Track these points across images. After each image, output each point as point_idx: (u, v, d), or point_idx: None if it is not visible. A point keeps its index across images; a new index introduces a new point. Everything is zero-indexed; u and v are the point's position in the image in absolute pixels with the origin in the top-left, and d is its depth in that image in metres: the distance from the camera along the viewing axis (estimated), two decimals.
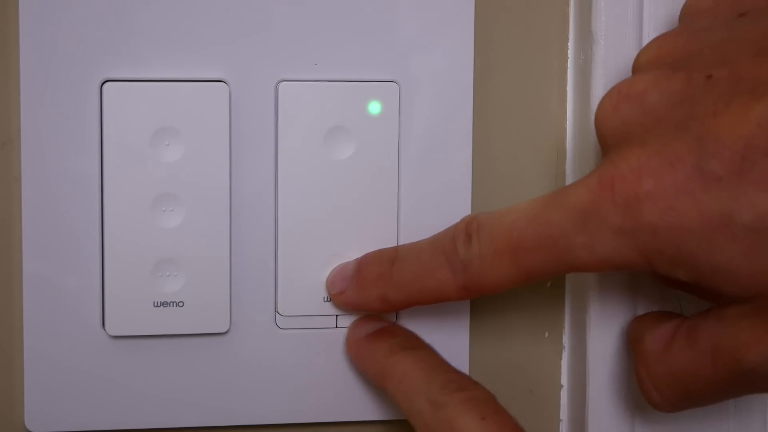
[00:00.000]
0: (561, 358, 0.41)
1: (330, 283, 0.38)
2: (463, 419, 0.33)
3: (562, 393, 0.41)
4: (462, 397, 0.33)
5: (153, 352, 0.38)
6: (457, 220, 0.39)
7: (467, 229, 0.34)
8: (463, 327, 0.39)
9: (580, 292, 0.39)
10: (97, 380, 0.37)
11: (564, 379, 0.41)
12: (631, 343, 0.35)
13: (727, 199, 0.27)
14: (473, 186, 0.39)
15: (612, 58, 0.37)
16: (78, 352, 0.37)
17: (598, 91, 0.38)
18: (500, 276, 0.33)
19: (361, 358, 0.38)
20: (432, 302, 0.35)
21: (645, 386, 0.33)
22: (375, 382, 0.37)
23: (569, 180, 0.40)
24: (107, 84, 0.36)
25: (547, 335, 0.41)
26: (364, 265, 0.37)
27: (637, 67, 0.33)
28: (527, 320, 0.41)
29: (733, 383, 0.30)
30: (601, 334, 0.37)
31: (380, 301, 0.36)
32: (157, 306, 0.37)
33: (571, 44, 0.40)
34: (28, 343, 0.37)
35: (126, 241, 0.36)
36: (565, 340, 0.41)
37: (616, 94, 0.31)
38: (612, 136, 0.31)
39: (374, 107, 0.37)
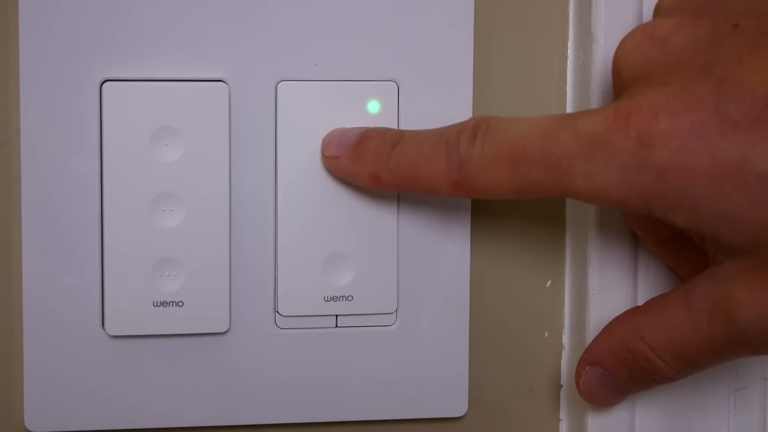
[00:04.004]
0: (561, 358, 0.41)
1: (326, 144, 0.37)
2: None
3: (562, 393, 0.41)
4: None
5: (153, 352, 0.38)
6: (457, 220, 0.39)
7: (475, 128, 0.33)
8: (464, 326, 0.39)
9: (580, 291, 0.39)
10: (97, 380, 0.37)
11: (564, 379, 0.41)
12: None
13: (743, 144, 0.27)
14: None
15: (612, 58, 0.37)
16: (78, 351, 0.37)
17: (598, 91, 0.38)
18: (494, 180, 0.32)
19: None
20: (422, 191, 0.35)
21: (647, 355, 0.33)
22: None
23: None
24: (107, 84, 0.36)
25: (547, 335, 0.41)
26: (366, 139, 0.36)
27: (660, 10, 0.33)
28: (527, 320, 0.41)
29: (728, 343, 0.30)
30: None
31: (371, 179, 0.36)
32: (156, 306, 0.37)
33: (571, 44, 0.40)
34: (28, 343, 0.37)
35: (126, 240, 0.36)
36: (565, 340, 0.41)
37: (639, 34, 0.31)
38: (630, 74, 0.31)
39: (373, 106, 0.37)
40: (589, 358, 0.36)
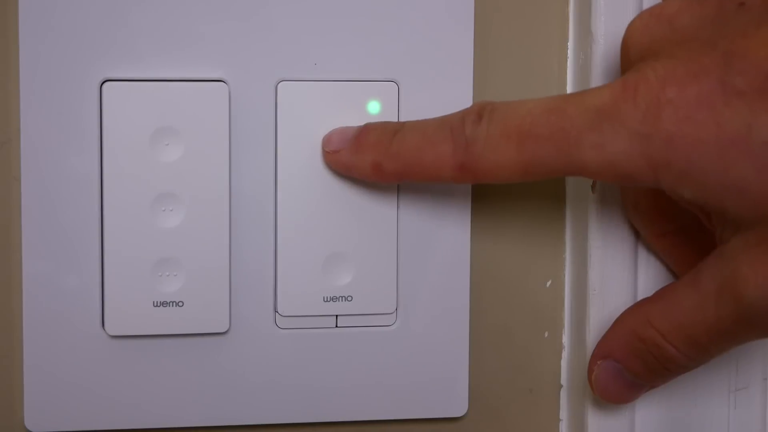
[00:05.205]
0: (561, 358, 0.41)
1: (326, 140, 0.37)
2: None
3: (562, 393, 0.41)
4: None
5: (153, 352, 0.38)
6: (457, 220, 0.39)
7: (480, 110, 0.33)
8: (464, 326, 0.39)
9: (580, 290, 0.39)
10: (97, 380, 0.37)
11: (564, 379, 0.41)
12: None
13: (747, 113, 0.28)
14: (473, 187, 0.39)
15: (612, 58, 0.37)
16: (78, 351, 0.37)
17: None
18: (501, 160, 0.32)
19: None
20: (426, 179, 0.34)
21: (658, 342, 0.33)
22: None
23: (569, 179, 0.40)
24: (107, 84, 0.36)
25: (546, 335, 0.41)
26: (366, 130, 0.36)
27: None
28: (527, 320, 0.41)
29: (736, 324, 0.30)
30: (601, 333, 0.37)
31: (373, 168, 0.35)
32: (156, 306, 0.37)
33: (571, 44, 0.40)
34: (28, 343, 0.37)
35: (126, 240, 0.36)
36: (565, 339, 0.41)
37: (647, 15, 0.32)
38: (638, 52, 0.31)
39: (373, 107, 0.37)
40: (600, 352, 0.35)
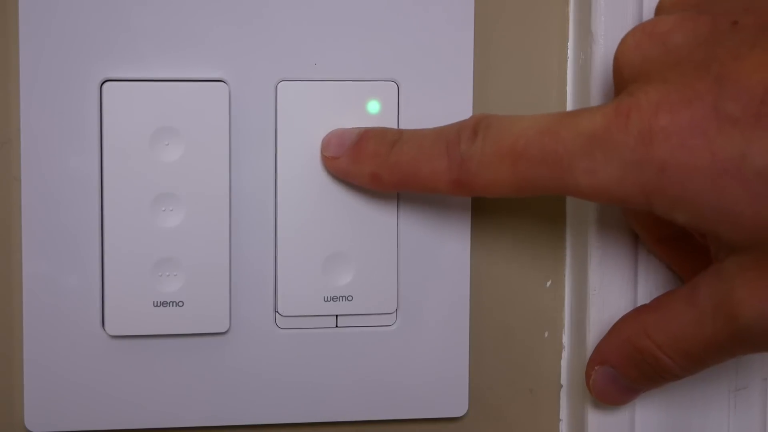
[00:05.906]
0: (561, 358, 0.41)
1: (325, 144, 0.37)
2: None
3: (562, 393, 0.41)
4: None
5: (153, 352, 0.38)
6: (457, 220, 0.39)
7: (475, 126, 0.33)
8: (464, 326, 0.39)
9: (581, 291, 0.39)
10: (97, 380, 0.37)
11: (564, 379, 0.41)
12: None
13: (741, 141, 0.27)
14: None
15: (612, 58, 0.37)
16: (78, 351, 0.37)
17: (598, 91, 0.38)
18: (495, 178, 0.32)
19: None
20: (422, 191, 0.35)
21: (654, 353, 0.33)
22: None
23: None
24: (107, 84, 0.36)
25: (546, 335, 0.41)
26: (365, 139, 0.36)
27: (662, 8, 0.33)
28: (527, 320, 0.41)
29: (731, 341, 0.30)
30: (601, 334, 0.37)
31: (371, 178, 0.36)
32: (156, 306, 0.37)
33: (571, 44, 0.40)
34: (28, 343, 0.37)
35: (126, 240, 0.36)
36: (565, 339, 0.41)
37: (639, 32, 0.31)
38: (630, 71, 0.31)
39: (373, 107, 0.37)
40: (597, 358, 0.36)
